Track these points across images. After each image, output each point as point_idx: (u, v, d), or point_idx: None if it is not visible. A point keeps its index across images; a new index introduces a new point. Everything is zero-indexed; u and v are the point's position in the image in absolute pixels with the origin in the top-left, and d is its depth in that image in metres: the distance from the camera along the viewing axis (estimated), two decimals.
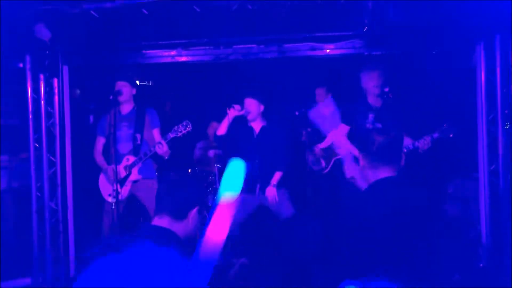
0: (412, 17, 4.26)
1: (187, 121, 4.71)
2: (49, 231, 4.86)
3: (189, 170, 6.27)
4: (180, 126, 4.70)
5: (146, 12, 4.21)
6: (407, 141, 4.54)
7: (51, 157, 4.91)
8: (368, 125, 4.70)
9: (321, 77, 6.19)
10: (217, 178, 5.86)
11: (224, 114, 4.87)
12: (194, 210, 1.99)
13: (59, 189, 4.93)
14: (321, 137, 5.76)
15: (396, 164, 2.55)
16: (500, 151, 4.50)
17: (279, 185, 4.76)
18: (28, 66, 4.78)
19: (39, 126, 4.86)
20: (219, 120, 5.05)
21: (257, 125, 4.90)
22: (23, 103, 4.82)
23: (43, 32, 4.34)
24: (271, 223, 5.67)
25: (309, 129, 5.50)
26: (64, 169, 4.96)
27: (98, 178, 4.99)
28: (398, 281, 2.33)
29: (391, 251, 2.35)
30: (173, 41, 4.96)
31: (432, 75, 5.45)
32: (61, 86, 4.92)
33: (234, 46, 5.00)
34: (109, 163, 4.80)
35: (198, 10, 4.19)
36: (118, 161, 4.68)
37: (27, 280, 4.83)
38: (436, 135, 4.50)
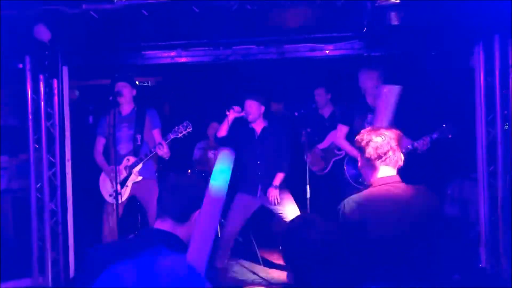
0: (411, 18, 4.27)
1: (187, 121, 4.71)
2: (48, 232, 4.85)
3: (189, 171, 6.27)
4: (180, 126, 4.70)
5: (146, 13, 4.22)
6: (406, 142, 4.55)
7: (50, 158, 4.91)
8: (367, 126, 4.70)
9: (320, 78, 6.19)
10: None
11: (224, 114, 4.87)
12: (197, 213, 1.95)
13: (59, 190, 4.92)
14: (321, 137, 5.77)
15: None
16: (499, 152, 4.50)
17: (281, 186, 4.76)
18: (27, 66, 4.78)
19: (38, 126, 4.86)
20: (219, 121, 5.05)
21: (258, 126, 4.90)
22: (23, 104, 4.81)
23: (43, 33, 4.34)
24: (272, 224, 5.68)
25: (308, 130, 5.50)
26: (64, 170, 4.96)
27: (97, 179, 4.99)
28: (398, 281, 2.33)
29: (391, 252, 2.36)
30: (172, 42, 4.96)
31: (431, 75, 5.46)
32: (61, 86, 4.92)
33: (234, 47, 5.01)
34: (109, 164, 4.81)
35: (197, 11, 4.19)
36: (118, 161, 4.69)
37: (27, 281, 4.82)
38: (435, 135, 4.50)
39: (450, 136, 4.52)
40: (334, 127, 5.14)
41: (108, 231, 4.76)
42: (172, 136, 4.71)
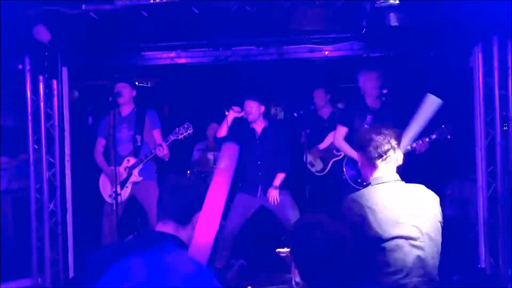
0: (410, 18, 4.27)
1: (188, 123, 4.71)
2: (48, 233, 4.85)
3: (188, 172, 6.28)
4: (181, 128, 4.70)
5: (146, 14, 4.22)
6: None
7: (50, 159, 4.91)
8: (366, 127, 4.71)
9: (319, 79, 6.20)
10: None
11: (224, 115, 4.87)
12: (198, 214, 1.95)
13: (58, 190, 4.92)
14: (320, 138, 5.78)
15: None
16: (498, 153, 4.51)
17: (281, 187, 4.76)
18: (27, 67, 4.78)
19: (38, 127, 4.86)
20: (219, 122, 5.05)
21: (258, 126, 4.90)
22: (22, 105, 4.81)
23: (43, 34, 4.34)
24: (272, 224, 5.68)
25: (308, 131, 5.51)
26: (63, 171, 4.96)
27: (97, 180, 4.99)
28: (397, 280, 2.34)
29: (388, 250, 2.36)
30: (172, 43, 4.97)
31: (430, 76, 5.46)
32: (60, 87, 4.92)
33: (233, 48, 5.01)
34: (109, 164, 4.81)
35: (197, 12, 4.20)
36: (118, 162, 4.69)
37: (26, 282, 4.83)
38: (434, 136, 4.51)
39: (449, 137, 4.53)
40: (333, 128, 5.14)
41: (108, 231, 4.76)
42: (172, 138, 4.71)
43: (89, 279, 1.69)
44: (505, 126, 4.50)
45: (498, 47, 4.45)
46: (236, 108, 4.83)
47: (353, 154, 4.64)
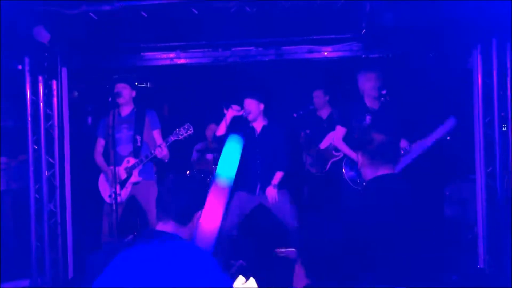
0: (409, 19, 4.28)
1: (188, 124, 4.71)
2: (47, 233, 4.85)
3: (187, 172, 6.29)
4: (181, 129, 4.70)
5: (145, 15, 4.23)
6: (404, 143, 4.57)
7: (49, 159, 4.91)
8: (365, 127, 4.72)
9: (318, 80, 6.21)
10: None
11: (223, 115, 4.87)
12: (198, 213, 1.96)
13: (58, 191, 4.93)
14: (319, 138, 5.78)
15: (394, 163, 2.57)
16: (497, 154, 4.52)
17: (279, 186, 4.77)
18: (27, 68, 4.78)
19: (37, 128, 4.86)
20: (217, 122, 5.04)
21: (258, 125, 4.90)
22: (22, 105, 4.81)
23: (42, 34, 4.34)
24: (270, 223, 5.69)
25: (307, 131, 5.52)
26: (63, 171, 4.96)
27: (96, 180, 4.99)
28: (397, 281, 2.34)
29: (390, 252, 2.37)
30: (171, 44, 4.98)
31: (429, 77, 5.48)
32: (60, 88, 4.93)
33: (233, 49, 5.02)
34: (109, 165, 4.81)
35: (196, 12, 4.21)
36: (118, 163, 4.69)
37: (26, 282, 4.83)
38: None
39: (448, 137, 4.54)
40: (332, 129, 5.15)
41: (108, 232, 4.76)
42: (173, 138, 4.71)
43: (89, 279, 1.70)
44: (504, 126, 4.52)
45: (497, 49, 4.46)
46: (235, 107, 4.83)
47: (352, 154, 4.65)
